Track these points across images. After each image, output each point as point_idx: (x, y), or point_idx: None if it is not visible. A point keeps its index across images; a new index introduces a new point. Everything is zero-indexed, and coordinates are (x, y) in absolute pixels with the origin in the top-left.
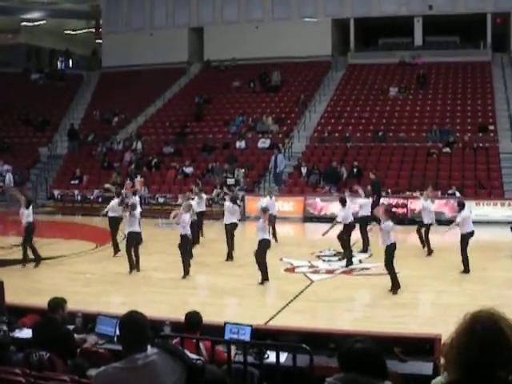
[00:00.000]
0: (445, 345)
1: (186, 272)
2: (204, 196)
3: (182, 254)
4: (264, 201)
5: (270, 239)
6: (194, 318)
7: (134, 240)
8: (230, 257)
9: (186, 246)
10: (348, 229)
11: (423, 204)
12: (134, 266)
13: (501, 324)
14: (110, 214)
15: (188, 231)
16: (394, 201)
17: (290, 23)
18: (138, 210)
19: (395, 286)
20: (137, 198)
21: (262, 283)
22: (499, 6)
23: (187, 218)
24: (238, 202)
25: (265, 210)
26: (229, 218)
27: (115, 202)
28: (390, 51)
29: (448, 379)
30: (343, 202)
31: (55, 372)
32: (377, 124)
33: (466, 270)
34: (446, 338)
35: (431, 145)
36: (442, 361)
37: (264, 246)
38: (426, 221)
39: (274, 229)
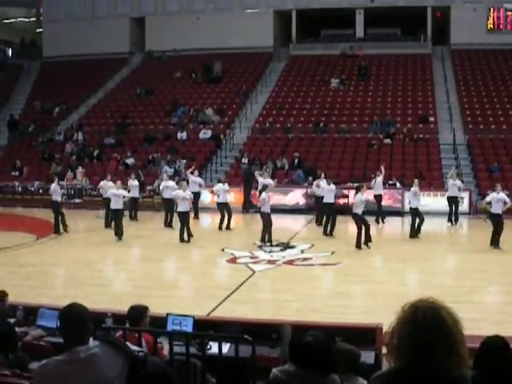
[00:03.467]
0: (387, 335)
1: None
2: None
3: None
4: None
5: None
6: (136, 311)
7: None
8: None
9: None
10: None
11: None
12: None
13: (441, 313)
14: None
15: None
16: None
17: (231, 14)
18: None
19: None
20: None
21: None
22: None
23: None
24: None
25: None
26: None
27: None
28: (331, 43)
29: (391, 368)
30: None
31: None
32: (318, 115)
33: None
34: (388, 328)
35: (372, 136)
36: (385, 350)
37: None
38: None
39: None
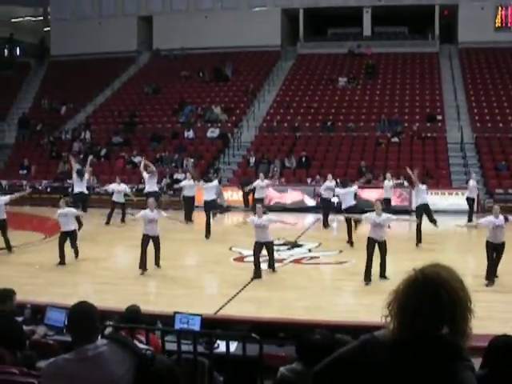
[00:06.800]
0: (390, 294)
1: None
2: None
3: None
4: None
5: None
6: (131, 313)
7: None
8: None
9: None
10: None
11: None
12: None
13: (445, 277)
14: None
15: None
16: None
17: (239, 13)
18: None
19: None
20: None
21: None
22: None
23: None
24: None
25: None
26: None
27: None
28: (339, 41)
29: (389, 337)
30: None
31: (4, 365)
32: (326, 114)
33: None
34: (393, 289)
35: (380, 134)
36: (385, 312)
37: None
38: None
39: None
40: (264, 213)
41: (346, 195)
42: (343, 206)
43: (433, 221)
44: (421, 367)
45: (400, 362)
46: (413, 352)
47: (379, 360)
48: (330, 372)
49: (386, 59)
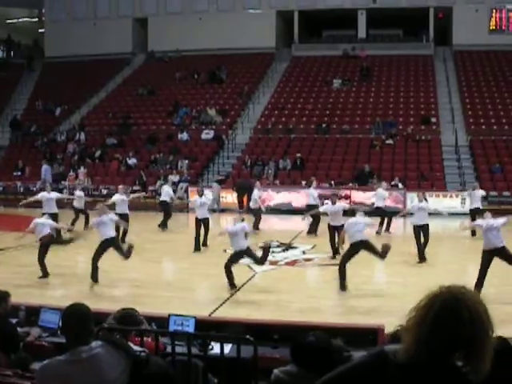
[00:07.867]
0: (410, 311)
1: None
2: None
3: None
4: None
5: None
6: (128, 317)
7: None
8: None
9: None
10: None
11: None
12: None
13: (468, 296)
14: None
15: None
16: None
17: (234, 15)
18: None
19: None
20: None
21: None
22: (441, 0)
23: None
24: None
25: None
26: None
27: None
28: (333, 43)
29: (401, 356)
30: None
31: None
32: (320, 116)
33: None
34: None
35: (374, 136)
36: (403, 331)
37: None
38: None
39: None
40: (242, 220)
41: (335, 212)
42: (333, 223)
43: None
44: None
45: (411, 382)
46: (425, 374)
47: (389, 377)
48: None
49: (381, 61)
